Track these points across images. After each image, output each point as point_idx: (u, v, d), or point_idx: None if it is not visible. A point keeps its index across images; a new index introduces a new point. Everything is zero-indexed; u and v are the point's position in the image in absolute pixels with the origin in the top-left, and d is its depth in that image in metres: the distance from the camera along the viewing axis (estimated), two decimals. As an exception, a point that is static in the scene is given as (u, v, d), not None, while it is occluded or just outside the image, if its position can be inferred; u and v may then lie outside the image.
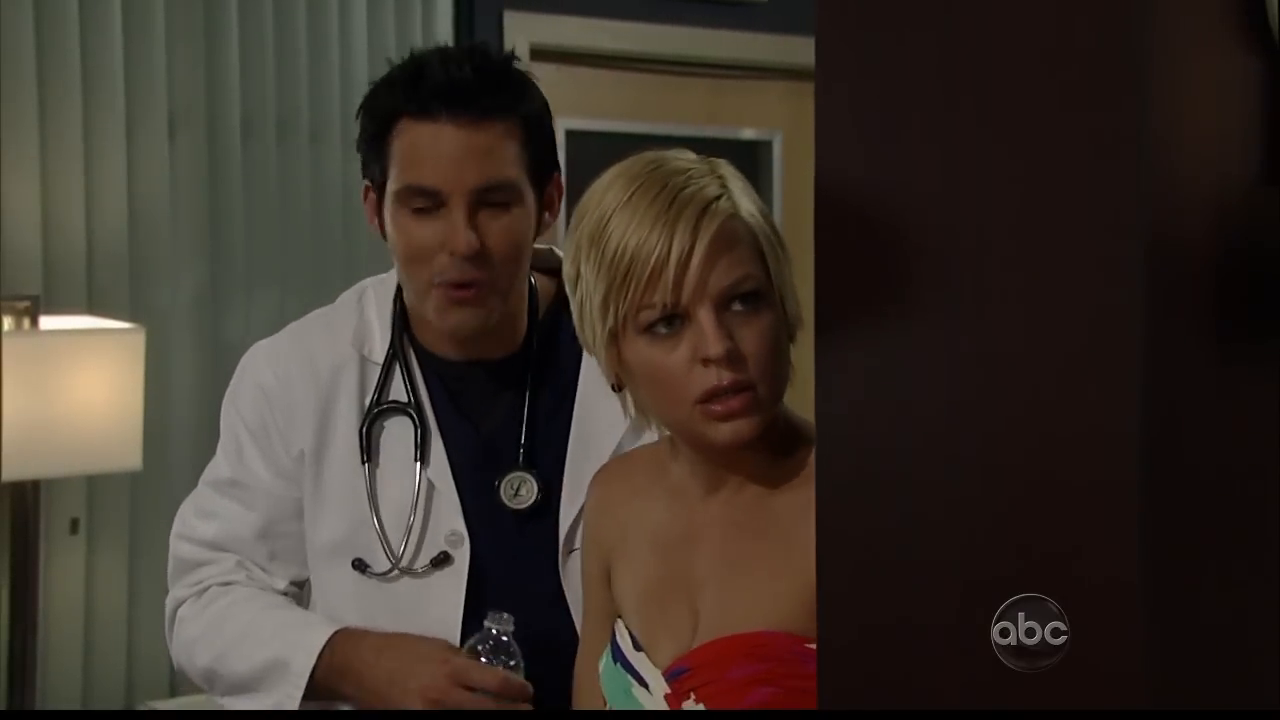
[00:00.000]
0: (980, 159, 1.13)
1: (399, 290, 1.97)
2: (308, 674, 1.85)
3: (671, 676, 1.59)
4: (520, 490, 1.90)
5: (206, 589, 1.98)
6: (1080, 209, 1.08)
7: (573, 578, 1.85)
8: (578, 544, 1.85)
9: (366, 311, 1.98)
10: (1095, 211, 1.08)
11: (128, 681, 3.58)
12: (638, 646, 1.64)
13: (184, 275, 3.68)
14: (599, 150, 4.83)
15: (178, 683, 3.57)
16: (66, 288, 3.49)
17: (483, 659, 1.79)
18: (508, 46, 4.17)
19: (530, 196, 1.87)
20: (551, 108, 1.93)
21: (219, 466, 1.99)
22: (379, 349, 1.95)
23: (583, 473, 1.85)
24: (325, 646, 1.85)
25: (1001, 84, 1.12)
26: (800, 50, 4.11)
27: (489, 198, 1.83)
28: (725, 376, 1.52)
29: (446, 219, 1.82)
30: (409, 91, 1.84)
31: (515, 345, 1.94)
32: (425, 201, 1.83)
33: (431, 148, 1.82)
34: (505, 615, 1.79)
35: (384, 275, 2.01)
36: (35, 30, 3.44)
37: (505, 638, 1.79)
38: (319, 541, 1.93)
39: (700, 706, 1.56)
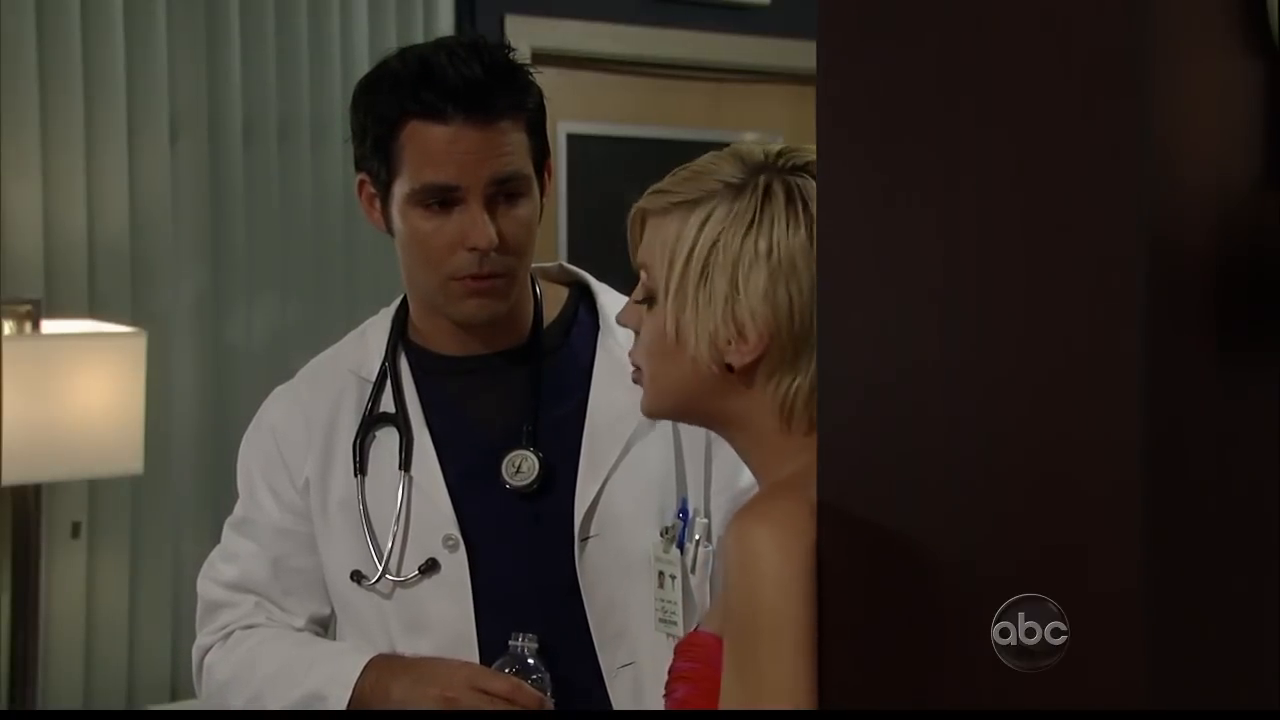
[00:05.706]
0: (980, 161, 1.13)
1: (399, 306, 1.99)
2: (344, 708, 1.86)
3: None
4: (521, 467, 1.88)
5: (231, 633, 1.98)
6: (1081, 212, 1.08)
7: (589, 568, 1.86)
8: (593, 532, 1.86)
9: (368, 336, 2.00)
10: (1096, 214, 1.08)
11: (129, 685, 3.58)
12: None
13: (185, 279, 3.67)
14: (600, 154, 4.84)
15: (178, 686, 3.57)
16: (68, 291, 3.48)
17: None
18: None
19: (535, 184, 1.88)
20: (553, 111, 1.93)
21: (237, 508, 2.02)
22: (375, 366, 1.96)
23: (597, 457, 1.86)
24: (359, 677, 1.86)
25: (1002, 86, 1.12)
26: (802, 54, 4.08)
27: (504, 189, 1.84)
28: None
29: (464, 214, 1.82)
30: (418, 93, 1.82)
31: (519, 339, 1.94)
32: (442, 197, 1.83)
33: (447, 149, 1.81)
34: (529, 635, 1.82)
35: (387, 308, 2.03)
36: (37, 34, 3.44)
37: (531, 659, 1.82)
38: (333, 566, 1.94)
39: None
